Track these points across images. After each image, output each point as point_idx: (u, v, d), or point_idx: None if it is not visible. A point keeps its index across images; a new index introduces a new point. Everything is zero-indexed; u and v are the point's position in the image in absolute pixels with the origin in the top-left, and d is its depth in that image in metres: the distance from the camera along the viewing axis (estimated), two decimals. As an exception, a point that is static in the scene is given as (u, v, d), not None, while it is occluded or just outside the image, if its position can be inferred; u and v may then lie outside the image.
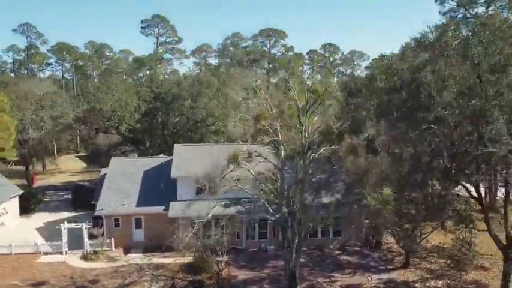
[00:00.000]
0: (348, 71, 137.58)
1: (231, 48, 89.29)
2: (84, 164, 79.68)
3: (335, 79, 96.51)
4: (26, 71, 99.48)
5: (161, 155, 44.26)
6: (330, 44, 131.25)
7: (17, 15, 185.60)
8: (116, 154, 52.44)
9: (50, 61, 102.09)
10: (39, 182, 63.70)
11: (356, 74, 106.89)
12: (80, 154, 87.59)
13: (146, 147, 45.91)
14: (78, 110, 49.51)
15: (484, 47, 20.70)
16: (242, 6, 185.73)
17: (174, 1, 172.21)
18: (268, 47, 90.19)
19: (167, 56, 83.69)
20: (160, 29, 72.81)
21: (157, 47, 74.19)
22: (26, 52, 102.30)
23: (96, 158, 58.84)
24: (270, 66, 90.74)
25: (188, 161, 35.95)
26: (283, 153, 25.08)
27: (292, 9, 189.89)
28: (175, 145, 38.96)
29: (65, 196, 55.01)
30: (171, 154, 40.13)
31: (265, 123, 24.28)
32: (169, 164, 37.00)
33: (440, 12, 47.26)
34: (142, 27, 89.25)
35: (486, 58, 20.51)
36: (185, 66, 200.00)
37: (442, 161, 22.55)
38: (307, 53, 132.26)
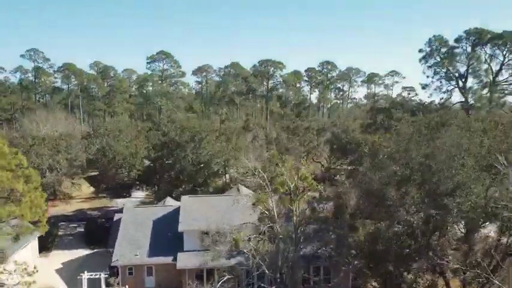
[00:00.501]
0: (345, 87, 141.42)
1: (231, 79, 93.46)
2: (92, 188, 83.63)
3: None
4: (34, 96, 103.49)
5: (168, 199, 48.47)
6: (327, 62, 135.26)
7: (26, 42, 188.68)
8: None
9: (56, 84, 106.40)
10: (50, 209, 67.78)
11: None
12: (88, 175, 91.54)
13: (154, 191, 50.04)
14: (91, 152, 53.66)
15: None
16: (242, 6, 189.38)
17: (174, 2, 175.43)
18: (267, 75, 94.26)
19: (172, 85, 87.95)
20: (165, 65, 76.80)
21: (162, 81, 78.15)
22: (33, 74, 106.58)
23: (106, 188, 62.76)
24: (269, 94, 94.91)
25: (194, 213, 40.01)
26: (278, 229, 29.24)
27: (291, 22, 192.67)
28: (182, 197, 43.05)
29: (78, 229, 59.25)
30: (177, 196, 44.32)
31: (263, 205, 28.39)
32: (176, 213, 41.11)
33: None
34: (147, 63, 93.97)
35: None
36: (188, 79, 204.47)
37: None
38: (305, 71, 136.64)
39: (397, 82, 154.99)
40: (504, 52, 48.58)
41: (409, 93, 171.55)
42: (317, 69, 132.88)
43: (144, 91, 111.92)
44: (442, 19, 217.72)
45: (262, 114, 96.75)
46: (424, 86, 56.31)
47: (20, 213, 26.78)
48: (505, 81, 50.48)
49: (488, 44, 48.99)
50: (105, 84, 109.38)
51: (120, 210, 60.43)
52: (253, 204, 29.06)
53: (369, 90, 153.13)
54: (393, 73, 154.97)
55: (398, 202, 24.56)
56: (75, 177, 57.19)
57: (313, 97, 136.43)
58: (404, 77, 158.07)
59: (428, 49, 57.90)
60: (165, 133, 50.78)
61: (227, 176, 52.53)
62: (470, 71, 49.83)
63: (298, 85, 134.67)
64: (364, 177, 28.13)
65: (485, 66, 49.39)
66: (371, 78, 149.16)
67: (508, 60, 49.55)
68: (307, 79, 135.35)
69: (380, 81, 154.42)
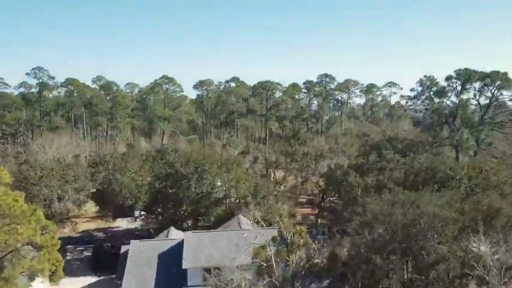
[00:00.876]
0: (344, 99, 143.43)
1: (232, 98, 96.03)
2: (95, 207, 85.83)
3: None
4: (39, 111, 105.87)
5: (172, 229, 50.86)
6: (325, 75, 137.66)
7: (26, 41, 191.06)
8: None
9: (60, 98, 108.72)
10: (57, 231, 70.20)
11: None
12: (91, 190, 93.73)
13: (158, 220, 52.57)
14: (97, 179, 56.16)
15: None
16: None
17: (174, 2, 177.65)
18: (266, 96, 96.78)
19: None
20: (168, 89, 79.26)
21: (165, 106, 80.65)
22: (37, 89, 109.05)
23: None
24: (268, 114, 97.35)
25: (197, 250, 42.42)
26: (277, 283, 31.65)
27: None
28: (185, 233, 45.49)
29: (85, 253, 61.73)
30: (181, 224, 46.70)
31: (262, 258, 30.79)
32: (180, 247, 43.52)
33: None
34: (151, 88, 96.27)
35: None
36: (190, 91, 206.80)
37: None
38: (304, 83, 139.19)
39: (394, 93, 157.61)
40: (493, 90, 50.87)
41: (407, 102, 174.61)
42: (315, 81, 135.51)
43: (147, 111, 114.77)
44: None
45: (262, 134, 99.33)
46: (416, 123, 58.67)
47: (40, 267, 29.20)
48: (493, 119, 52.86)
49: (478, 83, 51.37)
50: (108, 99, 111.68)
51: (125, 235, 63.24)
52: (252, 258, 31.41)
53: (368, 97, 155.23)
54: (391, 84, 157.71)
55: (382, 266, 26.89)
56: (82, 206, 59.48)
57: (313, 106, 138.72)
58: (401, 88, 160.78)
59: (419, 88, 60.64)
60: (171, 164, 53.11)
61: (227, 202, 54.83)
62: (459, 110, 52.13)
63: (296, 96, 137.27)
64: (353, 239, 30.52)
65: (473, 106, 51.57)
66: (369, 89, 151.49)
67: (496, 99, 51.88)
68: (305, 91, 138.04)
69: (378, 92, 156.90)
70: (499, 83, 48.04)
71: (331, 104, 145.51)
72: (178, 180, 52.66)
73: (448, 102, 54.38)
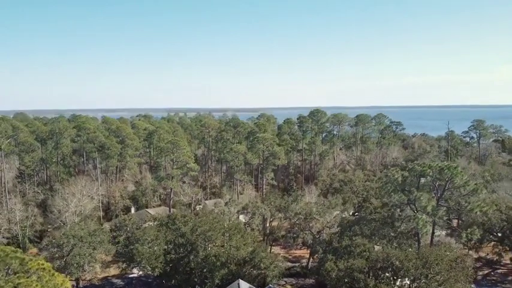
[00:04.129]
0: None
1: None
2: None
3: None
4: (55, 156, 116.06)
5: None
6: (317, 110, 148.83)
7: None
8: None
9: (74, 144, 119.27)
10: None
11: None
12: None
13: (169, 285, 63.02)
14: (119, 241, 66.68)
15: None
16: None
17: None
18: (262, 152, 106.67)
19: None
20: (174, 154, 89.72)
21: (172, 168, 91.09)
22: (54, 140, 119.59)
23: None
24: (263, 164, 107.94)
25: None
26: None
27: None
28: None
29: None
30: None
31: None
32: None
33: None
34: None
35: None
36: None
37: None
38: (297, 119, 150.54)
39: (380, 123, 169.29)
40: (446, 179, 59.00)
41: (396, 127, 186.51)
42: (307, 117, 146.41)
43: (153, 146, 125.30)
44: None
45: (259, 184, 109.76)
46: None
47: None
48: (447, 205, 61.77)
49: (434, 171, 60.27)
50: (118, 141, 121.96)
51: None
52: None
53: (357, 128, 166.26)
54: (380, 115, 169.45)
55: None
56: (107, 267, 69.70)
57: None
58: (389, 118, 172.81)
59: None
60: (183, 234, 63.45)
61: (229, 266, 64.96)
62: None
63: (289, 129, 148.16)
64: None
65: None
66: (361, 120, 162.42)
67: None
68: (298, 125, 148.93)
69: (367, 123, 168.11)
70: (450, 174, 57.67)
71: (323, 135, 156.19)
72: (186, 245, 63.01)
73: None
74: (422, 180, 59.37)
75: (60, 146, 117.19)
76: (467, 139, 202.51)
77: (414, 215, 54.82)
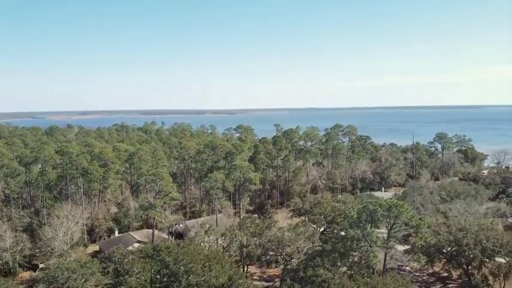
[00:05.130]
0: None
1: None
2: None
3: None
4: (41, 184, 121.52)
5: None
6: (291, 130, 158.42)
7: None
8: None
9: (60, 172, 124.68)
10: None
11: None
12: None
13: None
14: (109, 274, 73.64)
15: None
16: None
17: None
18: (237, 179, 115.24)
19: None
20: (157, 185, 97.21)
21: (155, 198, 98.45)
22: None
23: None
24: (240, 189, 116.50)
25: None
26: None
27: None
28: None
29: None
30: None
31: None
32: None
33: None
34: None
35: None
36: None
37: None
38: (272, 138, 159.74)
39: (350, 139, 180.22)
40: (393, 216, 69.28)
41: (365, 141, 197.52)
42: (282, 137, 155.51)
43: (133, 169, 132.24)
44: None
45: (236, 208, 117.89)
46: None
47: None
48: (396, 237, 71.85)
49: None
50: (100, 164, 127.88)
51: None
52: None
53: (327, 145, 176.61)
54: (349, 128, 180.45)
55: None
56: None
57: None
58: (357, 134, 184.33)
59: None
60: (167, 265, 70.87)
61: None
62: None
63: (265, 148, 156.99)
64: None
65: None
66: (331, 138, 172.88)
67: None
68: (273, 143, 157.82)
69: (337, 135, 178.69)
70: (397, 211, 67.45)
71: (295, 153, 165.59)
72: (170, 275, 70.64)
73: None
74: (379, 214, 68.52)
75: (46, 173, 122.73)
76: (433, 149, 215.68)
77: (367, 248, 64.12)
